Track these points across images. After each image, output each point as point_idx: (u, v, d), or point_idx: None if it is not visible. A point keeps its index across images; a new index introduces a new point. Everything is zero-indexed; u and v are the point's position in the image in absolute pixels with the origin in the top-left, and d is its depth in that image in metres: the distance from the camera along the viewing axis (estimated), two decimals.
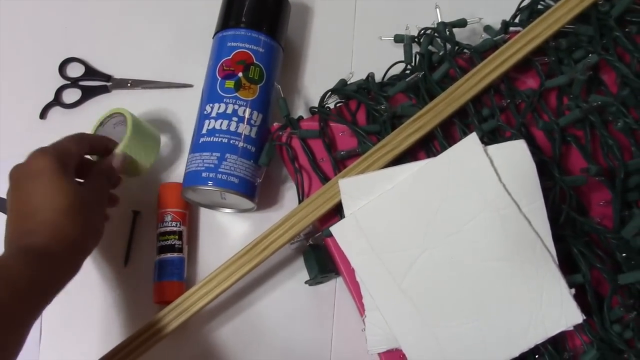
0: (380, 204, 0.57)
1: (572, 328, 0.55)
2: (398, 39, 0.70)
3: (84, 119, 0.71)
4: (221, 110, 0.63)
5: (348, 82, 0.67)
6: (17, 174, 0.54)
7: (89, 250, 0.55)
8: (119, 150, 0.61)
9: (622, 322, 0.57)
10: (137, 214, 0.67)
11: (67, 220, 0.52)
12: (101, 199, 0.59)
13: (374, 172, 0.59)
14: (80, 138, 0.59)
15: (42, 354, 0.63)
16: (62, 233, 0.51)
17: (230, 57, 0.65)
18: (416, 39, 0.69)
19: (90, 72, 0.73)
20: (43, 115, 0.71)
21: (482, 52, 0.65)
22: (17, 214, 0.53)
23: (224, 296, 0.62)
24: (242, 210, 0.67)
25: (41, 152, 0.54)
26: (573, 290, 0.55)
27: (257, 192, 0.64)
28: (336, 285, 0.66)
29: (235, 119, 0.63)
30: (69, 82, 0.72)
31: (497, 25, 0.69)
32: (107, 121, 0.65)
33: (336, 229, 0.58)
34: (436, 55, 0.67)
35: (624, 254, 0.58)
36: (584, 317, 0.54)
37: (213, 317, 0.64)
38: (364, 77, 0.67)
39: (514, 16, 0.69)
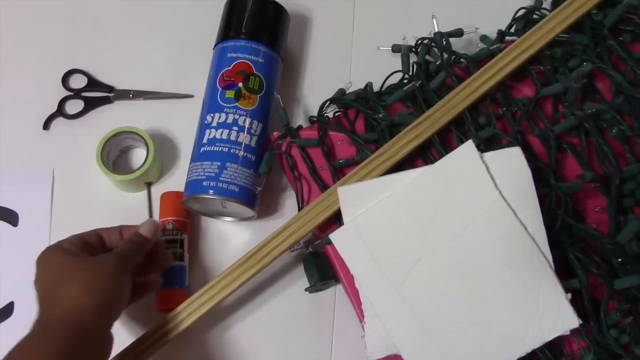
0: (379, 211, 0.58)
1: (569, 333, 0.55)
2: (396, 48, 0.71)
3: (87, 130, 0.72)
4: (222, 120, 0.64)
5: (346, 92, 0.68)
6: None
7: (96, 314, 0.52)
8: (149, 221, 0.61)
9: (618, 326, 0.58)
10: (149, 184, 0.69)
11: (67, 290, 0.51)
12: (117, 264, 0.54)
13: (372, 180, 0.60)
14: (88, 232, 0.58)
15: None
16: (56, 300, 0.51)
17: (230, 68, 0.66)
18: (413, 49, 0.70)
19: (93, 83, 0.74)
20: (46, 126, 0.72)
21: (479, 61, 0.66)
22: (40, 294, 0.53)
23: (225, 303, 0.63)
24: (242, 219, 0.68)
25: (49, 247, 0.56)
26: (569, 295, 0.55)
27: (257, 200, 0.65)
28: (336, 292, 0.66)
29: (235, 128, 0.64)
30: (71, 93, 0.73)
31: (493, 35, 0.70)
32: (114, 138, 0.67)
33: (335, 237, 0.59)
34: (433, 65, 0.68)
35: (619, 259, 0.59)
36: (581, 322, 0.55)
37: (214, 325, 0.65)
38: (362, 86, 0.68)
39: (510, 26, 0.70)
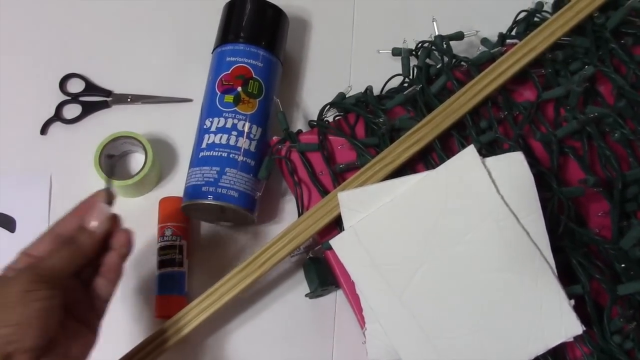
0: (380, 217, 0.58)
1: (572, 339, 0.55)
2: (396, 52, 0.70)
3: (85, 134, 0.71)
4: (221, 125, 0.64)
5: (346, 96, 0.67)
6: None
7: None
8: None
9: (622, 332, 0.57)
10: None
11: None
12: (30, 281, 0.46)
13: (373, 185, 0.59)
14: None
15: None
16: None
17: (229, 72, 0.66)
18: (414, 52, 0.69)
19: (91, 87, 0.73)
20: (44, 130, 0.72)
21: (480, 64, 0.66)
22: None
23: (225, 309, 0.62)
24: (242, 224, 0.67)
25: None
26: (572, 302, 0.55)
27: (256, 205, 0.64)
28: (336, 298, 0.66)
29: (234, 133, 0.63)
30: (69, 98, 0.73)
31: (494, 38, 0.70)
32: (113, 143, 0.66)
33: (336, 242, 0.58)
34: (434, 68, 0.67)
35: (622, 265, 0.58)
36: (584, 328, 0.54)
37: (214, 331, 0.64)
38: (362, 90, 0.67)
39: (511, 29, 0.70)
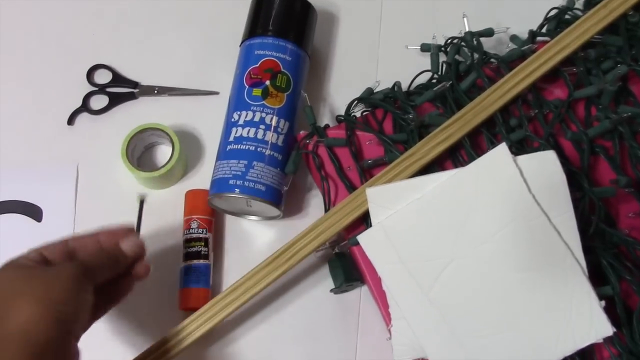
0: (408, 214, 0.57)
1: (601, 340, 0.54)
2: (425, 48, 0.70)
3: (111, 125, 0.71)
4: (248, 118, 0.64)
5: (374, 91, 0.67)
6: None
7: (54, 334, 0.46)
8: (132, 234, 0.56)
9: None
10: (142, 200, 0.68)
11: (13, 309, 0.45)
12: (76, 278, 0.48)
13: (401, 182, 0.59)
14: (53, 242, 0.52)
15: None
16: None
17: (257, 65, 0.65)
18: (443, 48, 0.69)
19: (118, 78, 0.73)
20: (71, 121, 0.72)
21: (510, 62, 0.65)
22: None
23: (249, 304, 0.62)
24: (268, 218, 0.67)
25: None
26: (603, 303, 0.54)
27: (283, 199, 0.64)
28: (361, 294, 0.66)
29: (262, 126, 0.63)
30: (96, 89, 0.73)
31: (523, 35, 0.69)
32: (140, 135, 0.67)
33: (363, 238, 0.58)
34: (463, 65, 0.67)
35: None
36: (614, 330, 0.54)
37: (237, 325, 0.64)
38: (389, 85, 0.67)
39: (541, 26, 0.69)
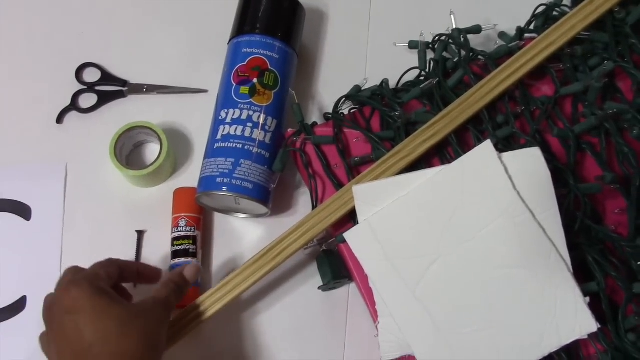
0: (395, 211, 0.58)
1: (586, 337, 0.54)
2: (412, 45, 0.70)
3: (100, 124, 0.72)
4: (236, 116, 0.64)
5: (362, 88, 0.67)
6: (54, 313, 0.50)
7: None
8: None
9: (637, 330, 0.57)
10: (141, 233, 0.67)
11: (124, 345, 0.49)
12: (163, 310, 0.54)
13: (388, 179, 0.59)
14: (109, 263, 0.55)
15: None
16: (122, 356, 0.48)
17: (245, 63, 0.65)
18: (430, 45, 0.69)
19: (107, 77, 0.73)
20: (60, 119, 0.72)
21: (497, 58, 0.65)
22: (69, 356, 0.49)
23: (237, 301, 0.62)
24: (256, 216, 0.68)
25: (72, 284, 0.50)
26: (588, 299, 0.54)
27: (271, 197, 0.64)
28: (349, 291, 0.66)
29: (249, 124, 0.63)
30: (85, 87, 0.73)
31: (511, 32, 0.69)
32: (128, 133, 0.67)
33: (350, 235, 0.58)
34: (450, 62, 0.67)
35: (639, 263, 0.58)
36: (599, 326, 0.54)
37: (226, 322, 0.64)
38: (378, 83, 0.67)
39: (529, 23, 0.69)
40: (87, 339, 0.48)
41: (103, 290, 0.50)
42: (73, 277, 0.51)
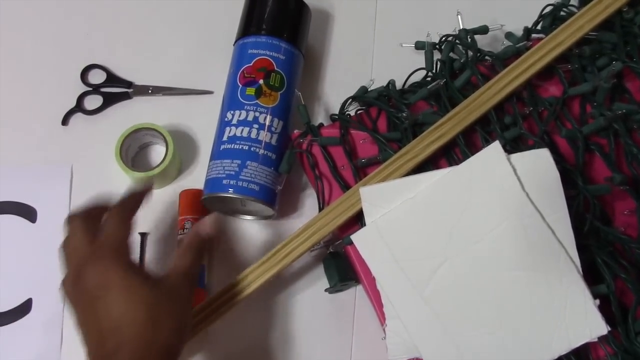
0: (402, 212, 0.57)
1: (596, 339, 0.54)
2: (419, 45, 0.69)
3: (106, 125, 0.71)
4: (242, 118, 0.63)
5: (368, 89, 0.67)
6: (79, 291, 0.49)
7: (182, 344, 0.51)
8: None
9: None
10: (144, 235, 0.67)
11: (153, 326, 0.48)
12: (190, 285, 0.53)
13: (395, 180, 0.59)
14: (125, 226, 0.53)
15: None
16: (151, 343, 0.47)
17: (251, 64, 0.65)
18: (437, 46, 0.69)
19: (112, 78, 0.73)
20: (65, 121, 0.72)
21: (505, 59, 0.65)
22: (96, 335, 0.48)
23: (244, 304, 0.62)
24: (262, 218, 0.67)
25: (102, 258, 0.49)
26: (597, 301, 0.54)
27: (277, 199, 0.64)
28: (356, 293, 0.65)
29: (256, 126, 0.63)
30: (90, 89, 0.73)
31: (518, 32, 0.69)
32: (133, 135, 0.66)
33: (357, 237, 0.58)
34: (457, 62, 0.66)
35: None
36: (609, 329, 0.53)
37: (231, 325, 0.64)
38: (384, 84, 0.67)
39: (536, 23, 0.69)
40: (115, 319, 0.47)
41: (133, 266, 0.51)
42: (98, 248, 0.50)
